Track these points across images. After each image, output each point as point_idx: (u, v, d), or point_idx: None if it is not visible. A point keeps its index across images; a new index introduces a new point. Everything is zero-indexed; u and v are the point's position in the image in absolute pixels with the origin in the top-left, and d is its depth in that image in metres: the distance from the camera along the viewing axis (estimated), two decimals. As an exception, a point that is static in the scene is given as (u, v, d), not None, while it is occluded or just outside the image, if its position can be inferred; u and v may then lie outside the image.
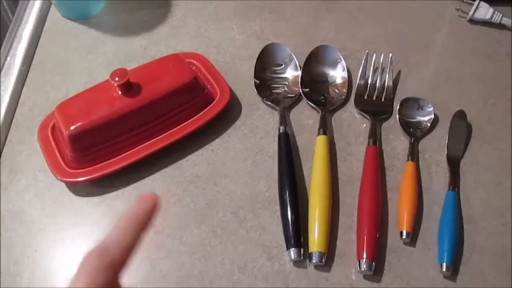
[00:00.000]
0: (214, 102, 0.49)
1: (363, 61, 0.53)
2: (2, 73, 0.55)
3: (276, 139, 0.49)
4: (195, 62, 0.52)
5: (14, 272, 0.42)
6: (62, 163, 0.46)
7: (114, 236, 0.28)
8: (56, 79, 0.55)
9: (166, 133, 0.47)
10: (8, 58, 0.57)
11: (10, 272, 0.42)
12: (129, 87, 0.45)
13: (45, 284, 0.42)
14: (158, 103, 0.46)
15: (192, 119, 0.48)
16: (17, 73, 0.55)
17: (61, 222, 0.45)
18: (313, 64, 0.53)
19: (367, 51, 0.53)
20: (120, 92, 0.45)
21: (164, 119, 0.47)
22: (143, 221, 0.29)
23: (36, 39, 0.59)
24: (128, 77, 0.44)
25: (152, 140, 0.47)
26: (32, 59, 0.57)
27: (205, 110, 0.49)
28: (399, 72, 0.54)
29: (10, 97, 0.53)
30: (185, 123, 0.48)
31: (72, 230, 0.45)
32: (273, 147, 0.48)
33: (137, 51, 0.57)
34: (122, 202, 0.46)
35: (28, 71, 0.56)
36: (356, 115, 0.51)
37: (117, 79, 0.44)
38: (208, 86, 0.51)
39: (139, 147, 0.46)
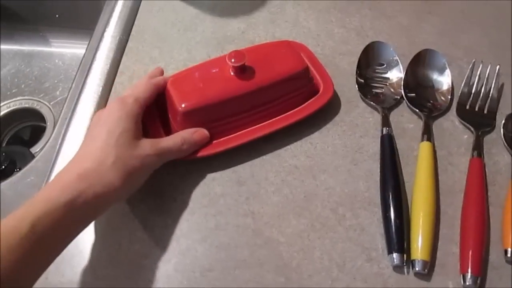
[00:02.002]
0: (318, 94, 0.49)
1: (468, 70, 0.52)
2: (102, 42, 0.55)
3: (376, 139, 0.48)
4: (299, 52, 0.52)
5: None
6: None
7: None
8: (155, 52, 0.55)
9: (271, 120, 0.47)
10: (108, 26, 0.57)
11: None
12: (244, 70, 0.45)
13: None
14: (269, 88, 0.46)
15: (296, 108, 0.47)
16: (117, 41, 0.55)
17: (158, 194, 0.45)
18: (418, 68, 0.52)
19: (474, 60, 0.52)
20: (233, 73, 0.45)
21: (272, 106, 0.46)
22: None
23: (135, 10, 0.59)
24: (245, 61, 0.44)
25: (257, 126, 0.46)
26: (131, 29, 0.57)
27: (310, 101, 0.48)
28: (503, 85, 0.53)
29: (110, 65, 0.53)
30: (289, 112, 0.47)
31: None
32: (372, 147, 0.48)
33: (235, 33, 0.57)
34: (219, 184, 0.46)
35: (127, 41, 0.56)
36: (457, 124, 0.50)
37: (233, 60, 0.44)
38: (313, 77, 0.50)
39: (243, 131, 0.46)
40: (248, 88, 0.45)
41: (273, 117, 0.47)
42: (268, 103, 0.46)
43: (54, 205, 0.34)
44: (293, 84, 0.47)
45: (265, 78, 0.45)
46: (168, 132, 0.46)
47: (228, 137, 0.46)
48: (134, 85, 0.46)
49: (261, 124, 0.46)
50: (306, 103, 0.48)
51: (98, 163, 0.38)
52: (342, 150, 0.48)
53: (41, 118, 0.74)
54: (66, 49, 0.79)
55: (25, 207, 0.34)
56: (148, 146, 0.41)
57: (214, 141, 0.46)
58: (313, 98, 0.48)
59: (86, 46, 0.56)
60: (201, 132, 0.45)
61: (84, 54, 0.55)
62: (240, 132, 0.46)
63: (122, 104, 0.42)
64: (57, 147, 0.48)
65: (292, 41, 0.53)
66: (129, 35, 0.57)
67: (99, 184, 0.37)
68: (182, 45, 0.56)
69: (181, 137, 0.44)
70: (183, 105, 0.44)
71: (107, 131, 0.40)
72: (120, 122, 0.41)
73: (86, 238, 0.43)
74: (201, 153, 0.45)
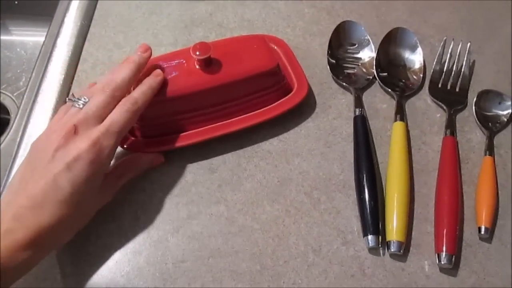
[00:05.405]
0: (291, 94, 0.47)
1: (439, 48, 0.51)
2: (63, 28, 0.53)
3: (349, 121, 0.47)
4: (275, 47, 0.50)
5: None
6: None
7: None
8: (119, 37, 0.53)
9: (237, 118, 0.45)
10: (69, 12, 0.54)
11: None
12: (209, 63, 0.43)
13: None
14: (235, 85, 0.44)
15: (266, 107, 0.46)
16: (78, 26, 0.53)
17: (126, 184, 0.43)
18: (390, 47, 0.51)
19: (445, 38, 0.52)
20: (198, 67, 0.43)
21: (238, 103, 0.45)
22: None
23: (96, -7, 0.56)
24: (210, 53, 0.42)
25: (222, 122, 0.45)
26: (93, 14, 0.55)
27: (281, 101, 0.46)
28: (474, 62, 0.53)
29: (72, 52, 0.51)
30: (258, 111, 0.45)
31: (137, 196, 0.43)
32: (346, 129, 0.47)
33: (203, 16, 0.55)
34: (190, 172, 0.44)
35: (89, 26, 0.54)
36: (430, 103, 0.50)
37: (198, 53, 0.42)
38: (286, 75, 0.48)
39: (209, 126, 0.44)
40: (213, 83, 0.43)
41: (240, 115, 0.45)
42: (234, 100, 0.44)
43: None
44: (261, 81, 0.45)
45: (231, 74, 0.43)
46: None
47: (192, 131, 0.44)
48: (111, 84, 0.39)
49: (226, 121, 0.45)
50: (277, 102, 0.46)
51: (56, 220, 0.35)
52: (315, 132, 0.47)
53: (5, 110, 0.71)
54: (28, 37, 0.76)
55: None
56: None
57: (178, 135, 0.44)
58: (284, 98, 0.46)
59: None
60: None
61: (44, 42, 0.53)
62: (206, 127, 0.44)
63: (98, 154, 0.36)
64: (18, 139, 0.45)
65: (270, 36, 0.51)
66: (91, 20, 0.54)
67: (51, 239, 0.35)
68: (148, 29, 0.54)
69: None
70: None
71: (73, 190, 0.35)
72: (92, 180, 0.36)
73: (52, 233, 0.41)
74: (163, 148, 0.44)
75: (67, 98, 0.41)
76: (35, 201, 0.34)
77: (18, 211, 0.34)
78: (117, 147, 0.39)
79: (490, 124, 0.47)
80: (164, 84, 0.43)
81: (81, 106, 0.38)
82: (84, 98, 0.39)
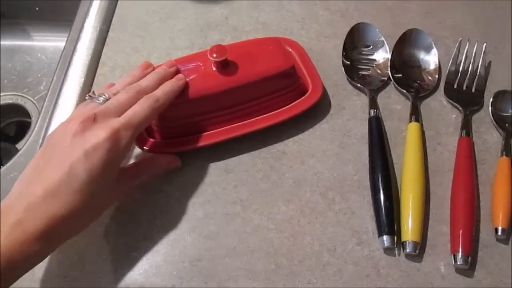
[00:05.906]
0: (305, 96, 0.47)
1: (455, 49, 0.51)
2: (83, 33, 0.54)
3: (364, 122, 0.48)
4: (290, 49, 0.50)
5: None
6: (145, 133, 0.45)
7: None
8: (137, 41, 0.54)
9: (252, 119, 0.45)
10: (88, 17, 0.56)
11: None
12: (226, 65, 0.44)
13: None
14: (252, 86, 0.44)
15: (281, 109, 0.46)
16: (98, 31, 0.54)
17: (144, 185, 0.44)
18: (405, 48, 0.51)
19: (460, 39, 0.52)
20: (215, 69, 0.44)
21: (255, 104, 0.45)
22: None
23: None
24: (226, 56, 0.43)
25: (238, 124, 0.45)
26: (112, 18, 0.56)
27: (296, 102, 0.47)
28: (490, 63, 0.52)
29: (91, 56, 0.52)
30: (273, 112, 0.46)
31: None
32: (360, 130, 0.47)
33: (219, 19, 0.56)
34: (207, 172, 0.45)
35: (108, 31, 0.55)
36: (445, 104, 0.50)
37: (214, 55, 0.43)
38: (301, 77, 0.48)
39: (225, 128, 0.45)
40: (230, 84, 0.44)
41: (256, 116, 0.46)
42: (250, 101, 0.45)
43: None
44: (277, 83, 0.45)
45: (247, 75, 0.44)
46: (148, 128, 0.45)
47: (208, 132, 0.45)
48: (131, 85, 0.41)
49: (242, 123, 0.45)
50: (292, 103, 0.46)
51: (69, 211, 0.34)
52: (330, 134, 0.47)
53: (26, 113, 0.73)
54: (48, 43, 0.78)
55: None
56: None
57: (194, 136, 0.45)
58: (300, 99, 0.47)
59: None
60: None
61: (65, 46, 0.54)
62: (221, 129, 0.45)
63: (116, 144, 0.36)
64: (40, 141, 0.47)
65: (285, 38, 0.52)
66: (109, 25, 0.55)
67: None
68: (165, 33, 0.55)
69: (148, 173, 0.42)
70: None
71: (89, 178, 0.35)
72: (108, 170, 0.36)
73: (73, 232, 0.42)
74: (180, 149, 0.45)
75: (87, 95, 0.41)
76: (49, 190, 0.34)
77: (32, 201, 0.33)
78: (133, 141, 0.39)
79: (506, 124, 0.47)
80: None
81: (101, 102, 0.39)
82: (105, 96, 0.39)
